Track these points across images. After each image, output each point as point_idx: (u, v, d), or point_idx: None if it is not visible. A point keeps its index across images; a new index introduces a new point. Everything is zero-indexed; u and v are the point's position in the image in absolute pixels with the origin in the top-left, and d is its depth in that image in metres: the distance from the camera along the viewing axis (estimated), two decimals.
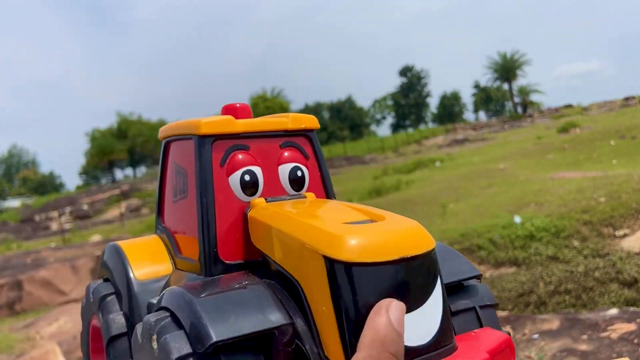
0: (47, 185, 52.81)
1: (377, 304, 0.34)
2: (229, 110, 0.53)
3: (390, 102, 58.65)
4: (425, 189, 9.99)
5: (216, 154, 0.50)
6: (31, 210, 24.79)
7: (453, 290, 0.45)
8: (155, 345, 0.38)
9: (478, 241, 5.60)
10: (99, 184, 42.33)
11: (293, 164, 0.52)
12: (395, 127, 57.79)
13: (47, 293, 5.92)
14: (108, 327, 0.55)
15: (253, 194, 0.50)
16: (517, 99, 47.86)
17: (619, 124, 13.88)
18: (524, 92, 47.11)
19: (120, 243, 0.60)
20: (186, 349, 0.36)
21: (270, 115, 0.55)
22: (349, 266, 0.35)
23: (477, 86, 54.92)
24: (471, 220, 6.44)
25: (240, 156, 0.50)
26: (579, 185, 6.91)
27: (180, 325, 0.37)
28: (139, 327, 0.41)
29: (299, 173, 0.51)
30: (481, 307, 0.44)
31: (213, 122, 0.50)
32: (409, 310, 0.35)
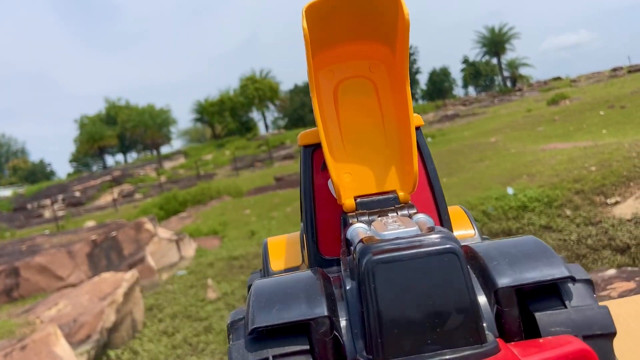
0: (37, 173, 52.37)
1: None
2: None
3: None
4: None
5: (317, 161, 0.54)
6: (23, 199, 24.63)
7: (549, 301, 0.37)
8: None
9: (472, 214, 5.64)
10: (90, 171, 42.07)
11: None
12: None
13: (44, 279, 5.92)
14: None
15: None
16: (506, 73, 47.85)
17: (607, 94, 13.93)
18: (513, 65, 47.09)
19: (269, 239, 0.65)
20: (241, 334, 0.40)
21: None
22: None
23: (466, 61, 54.72)
24: (464, 194, 6.48)
25: None
26: (570, 156, 6.95)
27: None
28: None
29: None
30: (587, 337, 0.36)
31: (309, 133, 0.54)
32: None
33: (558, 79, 34.18)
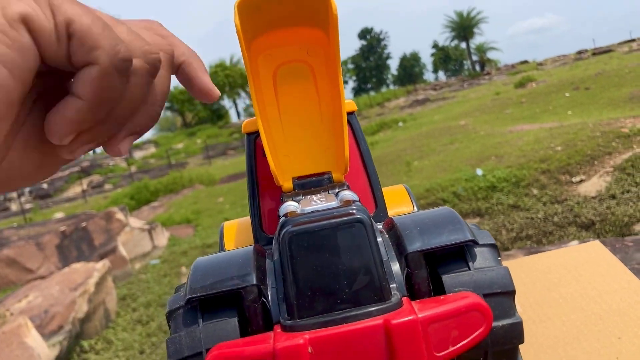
0: None
1: None
2: None
3: (351, 66, 58.41)
4: (389, 149, 10.10)
5: (259, 147, 0.58)
6: None
7: (450, 266, 0.40)
8: None
9: (442, 195, 5.73)
10: None
11: None
12: (357, 91, 57.76)
13: (13, 272, 5.81)
14: None
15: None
16: (474, 58, 48.41)
17: (572, 77, 14.21)
18: (481, 50, 47.68)
19: (225, 223, 0.67)
20: (175, 304, 0.43)
21: None
22: None
23: (435, 46, 55.09)
24: (435, 176, 6.57)
25: None
26: (537, 136, 7.10)
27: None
28: None
29: None
30: (487, 295, 0.38)
31: (252, 121, 0.59)
32: None
33: (525, 62, 34.73)
